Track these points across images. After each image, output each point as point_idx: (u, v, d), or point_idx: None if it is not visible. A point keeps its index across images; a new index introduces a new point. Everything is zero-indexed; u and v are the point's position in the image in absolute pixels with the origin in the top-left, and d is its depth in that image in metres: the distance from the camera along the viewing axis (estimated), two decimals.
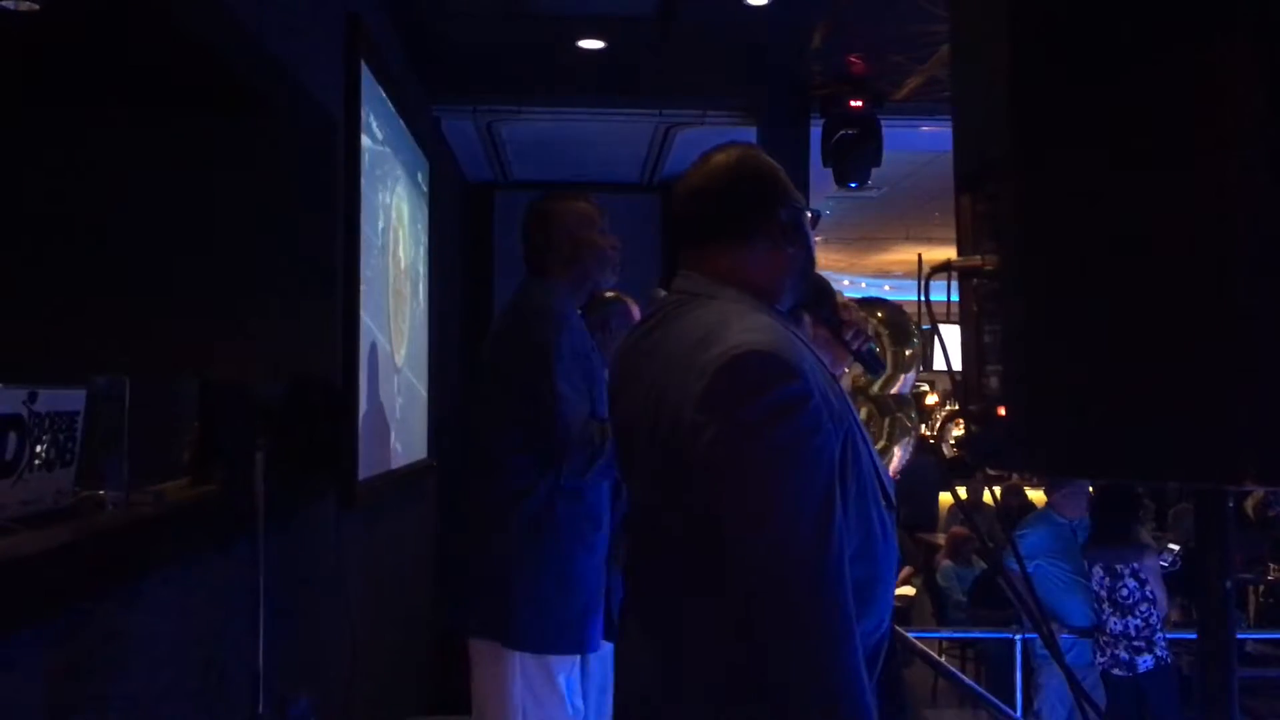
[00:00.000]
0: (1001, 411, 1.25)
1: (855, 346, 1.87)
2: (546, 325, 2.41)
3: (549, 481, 2.41)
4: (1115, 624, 4.79)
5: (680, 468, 1.38)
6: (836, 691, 1.29)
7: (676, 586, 1.45)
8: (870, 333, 1.91)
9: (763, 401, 1.34)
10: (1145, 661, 4.74)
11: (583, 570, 2.44)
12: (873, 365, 1.96)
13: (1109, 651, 4.80)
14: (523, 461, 2.43)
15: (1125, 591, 4.81)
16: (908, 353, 5.07)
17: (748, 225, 1.55)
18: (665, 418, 1.42)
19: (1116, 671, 4.78)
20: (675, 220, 1.63)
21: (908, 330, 5.11)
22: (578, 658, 2.49)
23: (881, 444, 4.85)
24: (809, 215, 1.63)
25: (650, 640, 1.48)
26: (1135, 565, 4.81)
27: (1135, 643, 4.76)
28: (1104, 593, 4.83)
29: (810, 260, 1.63)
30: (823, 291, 1.82)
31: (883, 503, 1.49)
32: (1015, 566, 4.99)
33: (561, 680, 2.43)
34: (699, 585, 1.40)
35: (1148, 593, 4.79)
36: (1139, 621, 4.78)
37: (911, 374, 5.16)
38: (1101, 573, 4.85)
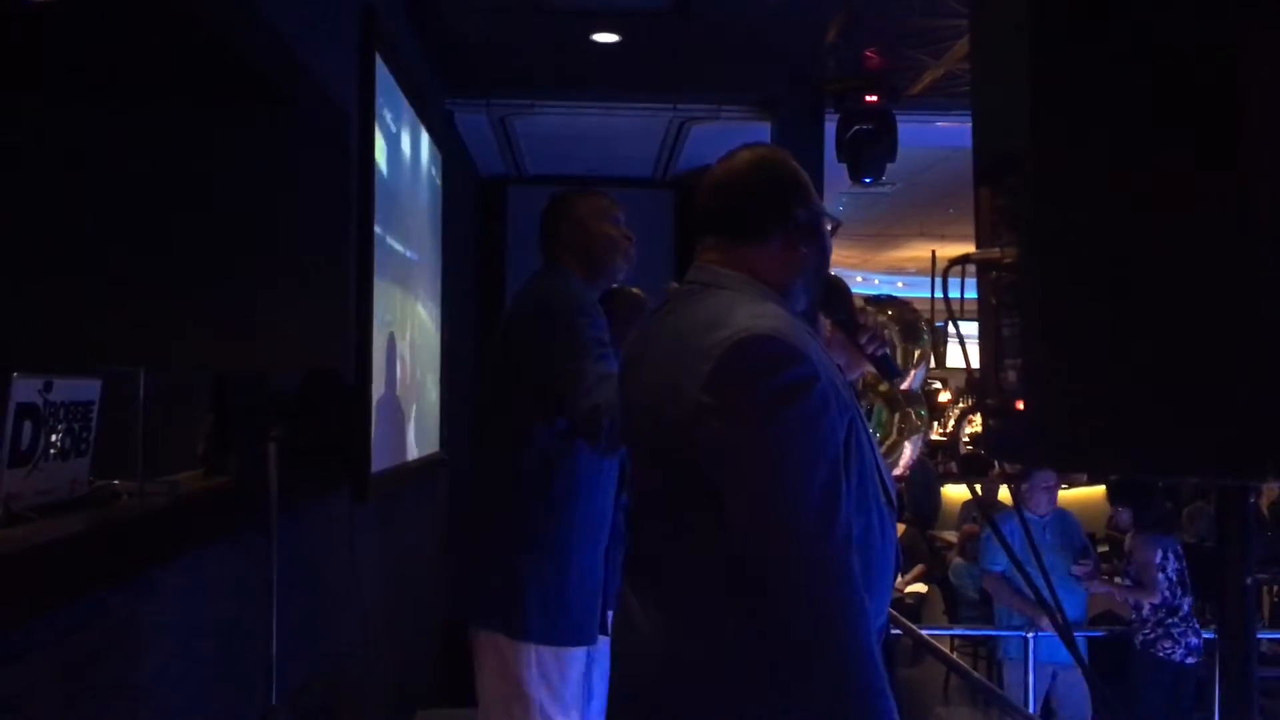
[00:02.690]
0: (1020, 406, 1.24)
1: (870, 351, 1.87)
2: (571, 309, 2.40)
3: (562, 478, 2.40)
4: (1186, 604, 4.76)
5: (685, 450, 1.39)
6: (846, 669, 1.30)
7: (679, 568, 1.46)
8: (886, 337, 1.90)
9: (769, 384, 1.36)
10: (1199, 644, 4.74)
11: (588, 565, 2.45)
12: (888, 370, 1.96)
13: (1183, 641, 4.71)
14: (534, 456, 2.42)
15: (1184, 570, 4.86)
16: (917, 351, 5.06)
17: (764, 220, 1.57)
18: (671, 400, 1.43)
19: (1191, 660, 4.71)
20: (696, 212, 1.64)
21: (917, 328, 5.10)
22: (585, 649, 2.48)
23: (892, 439, 4.84)
24: (830, 223, 1.64)
25: (652, 621, 1.48)
26: (1179, 546, 4.85)
27: (1195, 623, 4.79)
28: (1175, 576, 4.80)
29: (824, 265, 1.65)
30: (839, 293, 1.82)
31: (883, 499, 1.49)
32: (993, 568, 4.99)
33: (574, 671, 2.43)
34: (701, 566, 1.41)
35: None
36: (1191, 599, 4.80)
37: (921, 371, 5.14)
38: (1172, 556, 4.81)
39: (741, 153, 1.64)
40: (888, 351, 1.90)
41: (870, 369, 1.92)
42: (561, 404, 2.36)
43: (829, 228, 1.64)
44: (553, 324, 2.40)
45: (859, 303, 1.87)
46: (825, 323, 1.86)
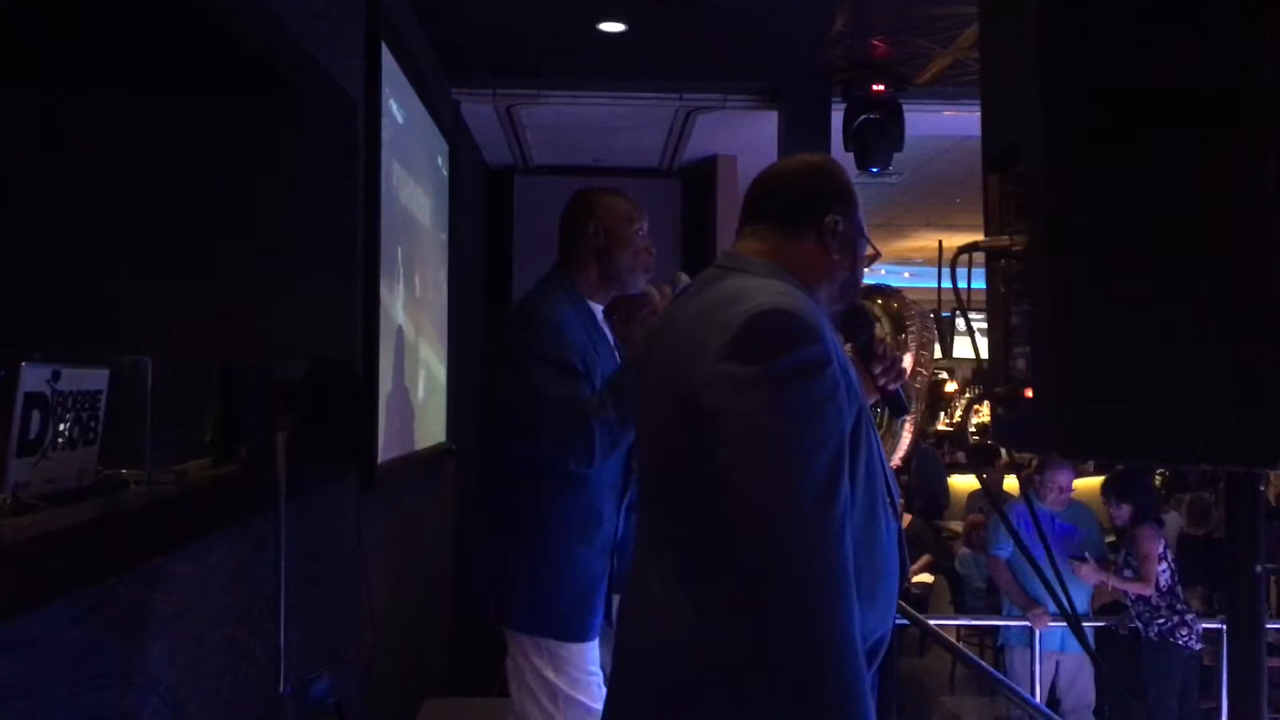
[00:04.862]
0: (1028, 393, 1.24)
1: (883, 383, 1.85)
2: (528, 332, 2.43)
3: (551, 476, 2.40)
4: (1180, 590, 4.80)
5: (696, 420, 1.38)
6: (829, 654, 1.29)
7: (685, 544, 1.45)
8: (906, 372, 1.89)
9: (783, 360, 1.35)
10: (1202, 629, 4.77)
11: (581, 562, 2.43)
12: (897, 407, 1.92)
13: (1194, 626, 4.74)
14: (524, 455, 2.43)
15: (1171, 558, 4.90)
16: (902, 338, 5.07)
17: (800, 214, 1.60)
18: (686, 370, 1.43)
19: (1199, 645, 4.75)
20: (743, 203, 1.68)
21: (903, 318, 5.11)
22: (596, 642, 2.48)
23: (882, 430, 4.85)
24: (869, 250, 1.67)
25: (653, 603, 1.48)
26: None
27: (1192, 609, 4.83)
28: (1172, 564, 4.83)
29: (854, 280, 1.66)
30: (863, 319, 1.82)
31: (888, 503, 1.48)
32: (999, 552, 5.00)
33: (582, 660, 2.43)
34: (706, 543, 1.40)
35: None
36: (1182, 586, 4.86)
37: (907, 356, 5.13)
38: (1163, 544, 4.86)
39: (802, 154, 1.71)
40: (900, 389, 1.88)
41: (878, 398, 1.89)
42: (529, 432, 2.39)
43: (867, 254, 1.66)
44: (524, 341, 2.42)
45: (880, 334, 1.86)
46: (845, 346, 1.84)
